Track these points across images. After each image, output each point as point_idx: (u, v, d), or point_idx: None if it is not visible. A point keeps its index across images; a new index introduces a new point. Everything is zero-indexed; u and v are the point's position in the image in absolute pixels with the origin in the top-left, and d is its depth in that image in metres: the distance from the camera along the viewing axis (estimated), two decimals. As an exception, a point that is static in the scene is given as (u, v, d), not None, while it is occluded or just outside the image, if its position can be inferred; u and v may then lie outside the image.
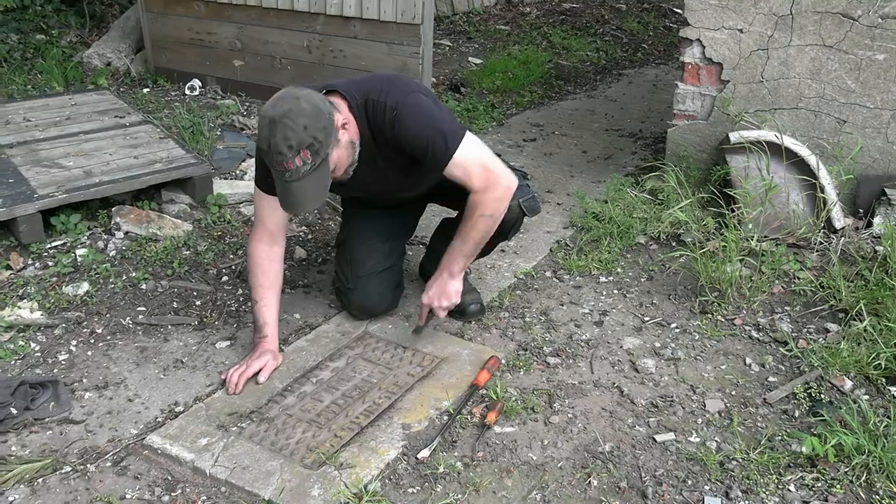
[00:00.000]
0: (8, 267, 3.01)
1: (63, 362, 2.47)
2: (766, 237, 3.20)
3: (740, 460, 2.07)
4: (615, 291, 2.99)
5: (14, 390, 2.22)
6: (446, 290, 2.46)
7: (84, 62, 5.75)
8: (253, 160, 4.05)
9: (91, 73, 5.59)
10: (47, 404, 2.23)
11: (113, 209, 3.38)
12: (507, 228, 2.55)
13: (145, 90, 5.34)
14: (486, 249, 2.69)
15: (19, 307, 2.71)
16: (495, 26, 7.91)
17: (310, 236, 3.45)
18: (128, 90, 5.37)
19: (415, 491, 1.96)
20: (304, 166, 2.09)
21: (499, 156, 2.42)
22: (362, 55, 4.60)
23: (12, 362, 2.47)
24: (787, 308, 2.83)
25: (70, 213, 3.29)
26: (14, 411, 2.18)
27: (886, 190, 3.21)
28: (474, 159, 2.29)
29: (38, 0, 6.29)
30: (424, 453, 2.06)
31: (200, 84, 5.36)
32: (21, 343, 2.55)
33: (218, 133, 4.44)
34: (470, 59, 6.67)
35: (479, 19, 8.12)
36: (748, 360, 2.53)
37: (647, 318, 2.79)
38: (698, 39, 3.48)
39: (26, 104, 4.33)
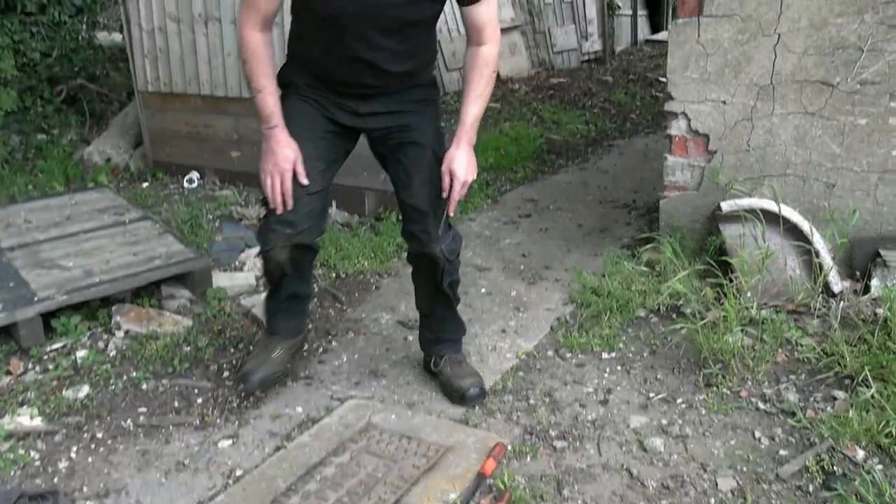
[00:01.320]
0: (8, 372, 3.00)
1: (63, 470, 2.44)
2: (765, 305, 3.20)
3: (756, 541, 2.02)
4: (618, 368, 2.97)
5: (15, 502, 2.18)
6: (474, 162, 2.42)
7: (84, 159, 5.86)
8: (250, 251, 4.09)
9: (91, 170, 5.69)
10: (47, 516, 2.19)
11: (113, 308, 3.39)
12: (439, 276, 2.59)
13: (144, 185, 5.44)
14: (427, 304, 2.75)
15: (19, 414, 2.69)
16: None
17: (310, 325, 3.45)
18: (127, 185, 5.46)
19: (424, 591, 1.90)
20: None
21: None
22: (356, 142, 4.68)
23: (12, 472, 2.43)
24: (791, 377, 2.81)
25: (70, 315, 3.30)
26: (13, 525, 2.14)
27: (881, 251, 3.22)
28: (496, 12, 2.38)
29: (39, 102, 6.46)
30: (433, 550, 2.01)
31: (199, 176, 5.45)
32: (21, 452, 2.52)
33: (216, 225, 4.49)
34: (462, 137, 6.79)
35: (470, 98, 8.30)
36: (757, 434, 2.50)
37: (652, 395, 2.77)
38: (683, 112, 3.56)
39: (27, 205, 4.40)
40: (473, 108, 2.40)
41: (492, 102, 8.13)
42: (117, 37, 7.32)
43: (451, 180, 2.36)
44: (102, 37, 7.38)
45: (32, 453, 2.52)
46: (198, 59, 5.22)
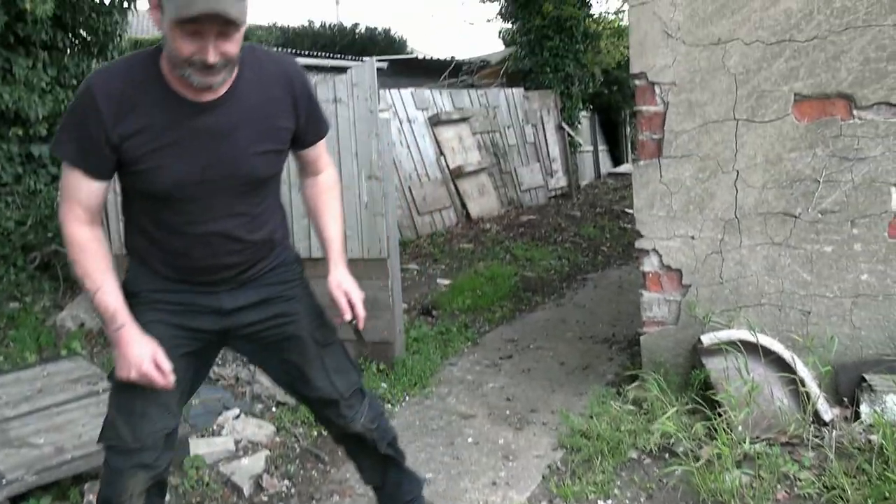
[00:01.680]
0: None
1: None
2: (757, 438, 3.14)
3: None
4: (616, 516, 2.86)
5: None
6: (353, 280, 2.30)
7: (58, 325, 5.78)
8: (228, 413, 3.98)
9: (65, 336, 5.60)
10: None
11: (86, 486, 3.23)
12: (373, 446, 2.45)
13: (119, 348, 5.35)
14: (376, 475, 2.56)
15: None
16: (459, 245, 8.22)
17: (293, 490, 3.31)
18: (101, 350, 5.36)
19: None
20: None
21: None
22: (333, 293, 4.69)
23: None
24: (795, 515, 2.72)
25: (40, 496, 3.13)
26: None
27: (865, 376, 3.22)
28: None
29: (12, 270, 6.44)
30: None
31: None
32: None
33: (193, 387, 4.39)
34: (438, 280, 6.86)
35: (443, 240, 8.46)
36: (768, 582, 2.38)
37: (653, 544, 2.65)
38: (654, 249, 3.63)
39: (-3, 380, 4.28)
40: (336, 227, 2.35)
41: (464, 243, 8.30)
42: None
43: (348, 299, 2.25)
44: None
45: None
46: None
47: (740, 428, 3.06)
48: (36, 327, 5.68)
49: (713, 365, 3.36)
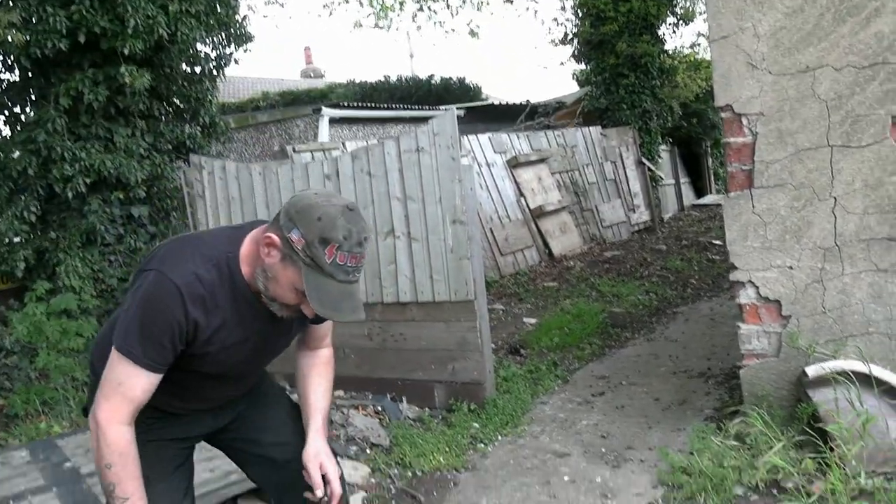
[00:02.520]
0: None
1: None
2: (873, 472, 2.98)
3: None
4: (726, 557, 2.76)
5: None
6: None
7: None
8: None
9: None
10: None
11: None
12: None
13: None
14: None
15: None
16: (543, 284, 8.19)
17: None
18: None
19: None
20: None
21: None
22: (422, 335, 4.74)
23: None
24: (921, 554, 2.57)
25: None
26: None
27: None
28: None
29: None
30: None
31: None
32: None
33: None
34: (524, 319, 6.83)
35: (527, 279, 8.44)
36: None
37: (768, 586, 2.54)
38: (750, 281, 3.54)
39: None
40: (325, 400, 2.28)
41: (548, 281, 8.26)
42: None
43: (323, 474, 2.12)
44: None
45: None
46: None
47: (854, 462, 2.91)
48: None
49: (821, 397, 3.22)
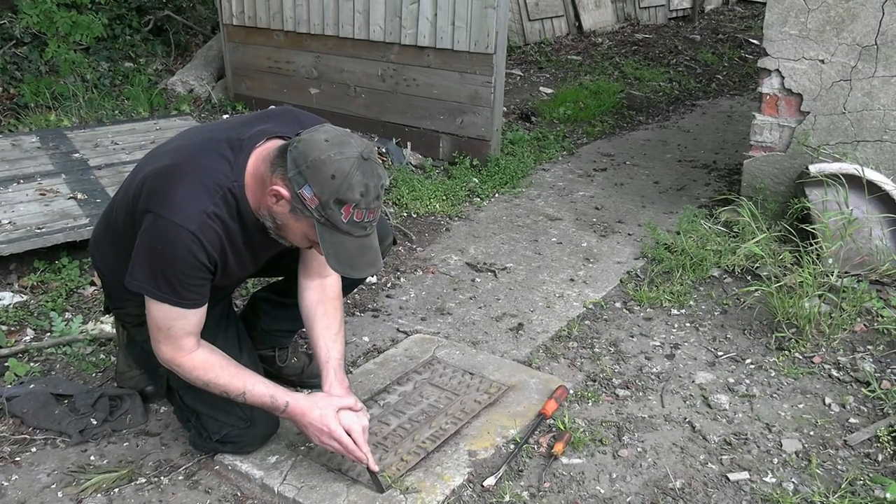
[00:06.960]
0: (92, 283, 3.14)
1: (141, 376, 2.55)
2: (846, 273, 3.09)
3: (819, 503, 1.99)
4: (687, 325, 2.93)
5: (95, 401, 2.30)
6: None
7: (168, 89, 6.00)
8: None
9: (174, 99, 5.82)
10: (125, 416, 2.30)
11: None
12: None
13: (225, 116, 5.53)
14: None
15: (102, 321, 2.82)
16: (567, 56, 7.92)
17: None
18: (209, 116, 5.57)
19: (480, 519, 1.94)
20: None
21: None
22: (435, 84, 4.66)
23: (94, 375, 2.56)
24: (869, 347, 2.72)
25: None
26: (94, 422, 2.26)
27: (978, 227, 3.07)
28: None
29: (127, 30, 6.61)
30: (490, 481, 2.04)
31: (277, 111, 5.52)
32: (102, 356, 2.65)
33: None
34: (541, 88, 6.69)
35: (551, 49, 8.15)
36: (828, 400, 2.44)
37: (720, 353, 2.72)
38: (777, 70, 3.42)
39: (114, 128, 4.54)
40: (339, 346, 2.09)
41: (573, 54, 7.99)
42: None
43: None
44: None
45: (113, 358, 2.64)
46: (283, -6, 5.23)
47: (830, 260, 3.00)
48: (148, 88, 5.91)
49: (815, 196, 3.25)
